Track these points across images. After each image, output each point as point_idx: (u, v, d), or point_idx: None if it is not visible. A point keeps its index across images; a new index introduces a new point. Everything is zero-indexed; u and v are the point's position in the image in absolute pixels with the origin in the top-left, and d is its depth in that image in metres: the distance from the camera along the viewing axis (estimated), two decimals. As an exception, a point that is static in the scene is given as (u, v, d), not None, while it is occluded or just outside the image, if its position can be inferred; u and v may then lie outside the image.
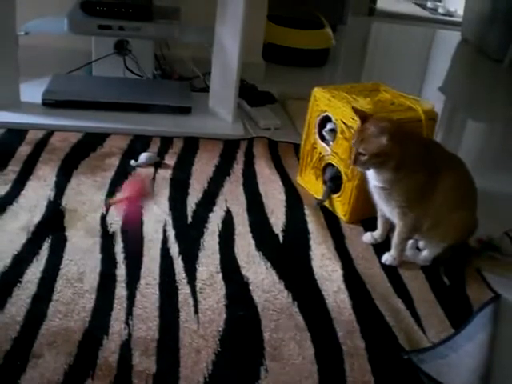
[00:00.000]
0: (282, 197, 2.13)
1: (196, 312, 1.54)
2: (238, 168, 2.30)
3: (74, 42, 2.87)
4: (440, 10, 6.27)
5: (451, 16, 6.14)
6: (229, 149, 2.45)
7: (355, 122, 1.87)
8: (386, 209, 1.83)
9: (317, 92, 2.10)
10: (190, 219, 1.94)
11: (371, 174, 1.78)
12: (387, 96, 2.11)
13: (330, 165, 2.08)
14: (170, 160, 2.29)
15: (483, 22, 4.86)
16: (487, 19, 4.79)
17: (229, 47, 2.52)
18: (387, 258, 1.84)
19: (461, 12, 5.55)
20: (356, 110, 1.78)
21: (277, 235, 1.92)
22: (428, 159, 1.76)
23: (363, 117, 1.74)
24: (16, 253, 1.66)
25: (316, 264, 1.79)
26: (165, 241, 1.81)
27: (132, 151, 2.30)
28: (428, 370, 1.45)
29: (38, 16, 2.57)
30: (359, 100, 1.99)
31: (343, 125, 1.97)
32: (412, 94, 2.13)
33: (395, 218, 1.82)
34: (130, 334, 1.43)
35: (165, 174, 2.18)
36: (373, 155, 1.68)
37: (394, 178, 1.73)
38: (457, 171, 1.80)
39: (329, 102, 2.03)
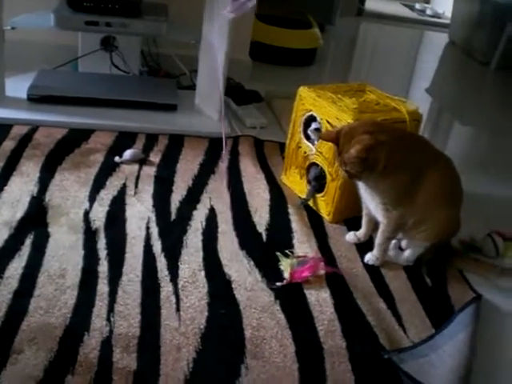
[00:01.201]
0: (267, 195, 2.14)
1: (178, 309, 1.54)
2: (222, 166, 2.30)
3: (60, 37, 2.86)
4: (428, 12, 6.30)
5: (439, 18, 6.17)
6: (214, 147, 2.44)
7: (340, 122, 1.87)
8: (371, 205, 1.84)
9: (302, 91, 2.10)
10: (173, 216, 1.94)
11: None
12: (372, 97, 2.12)
13: (314, 164, 2.08)
14: (155, 157, 2.29)
15: (471, 25, 4.90)
16: (475, 22, 4.83)
17: (216, 45, 2.51)
18: (370, 257, 1.85)
19: (449, 14, 5.58)
20: (326, 136, 1.83)
21: (260, 234, 1.92)
22: (414, 157, 1.76)
23: (334, 138, 1.75)
24: (-2, 248, 1.66)
25: (299, 263, 1.79)
26: (148, 238, 1.80)
27: (117, 148, 2.30)
28: (408, 369, 1.45)
29: (25, 11, 2.56)
30: (344, 100, 2.00)
31: (328, 124, 1.97)
32: (399, 95, 2.14)
33: (380, 216, 1.82)
34: (111, 331, 1.43)
35: (149, 171, 2.18)
36: (359, 172, 1.70)
37: (379, 175, 1.74)
38: (443, 169, 1.80)
39: (314, 102, 2.04)
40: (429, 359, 1.50)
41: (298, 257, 1.79)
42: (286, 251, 1.80)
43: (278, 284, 1.67)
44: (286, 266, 1.73)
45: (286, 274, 1.70)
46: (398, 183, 1.75)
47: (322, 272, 1.74)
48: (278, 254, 1.79)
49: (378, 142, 1.67)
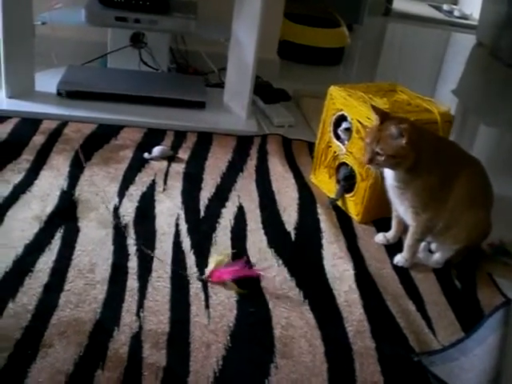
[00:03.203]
0: (295, 195, 2.13)
1: (207, 307, 1.54)
2: (251, 164, 2.30)
3: (90, 33, 2.88)
4: (455, 13, 6.25)
5: (466, 19, 6.11)
6: (242, 145, 2.44)
7: (371, 122, 1.86)
8: (400, 208, 1.83)
9: (333, 90, 2.09)
10: (202, 214, 1.94)
11: (388, 173, 1.78)
12: (404, 97, 2.11)
13: (344, 164, 2.07)
14: (184, 154, 2.29)
15: (498, 26, 4.85)
16: (503, 23, 4.78)
17: (245, 43, 2.52)
18: (399, 259, 1.84)
19: (476, 15, 5.53)
20: (375, 109, 1.77)
21: (289, 233, 1.91)
22: (443, 161, 1.75)
23: (382, 116, 1.73)
24: (28, 242, 1.67)
25: (328, 263, 1.79)
26: (177, 234, 1.81)
27: (146, 144, 2.30)
28: (438, 372, 1.44)
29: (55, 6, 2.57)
30: (376, 100, 1.98)
31: (359, 124, 1.96)
32: (425, 95, 2.12)
33: (409, 219, 1.81)
34: (140, 327, 1.44)
35: (178, 168, 2.18)
36: (389, 156, 1.67)
37: (409, 179, 1.73)
38: (473, 173, 1.79)
39: (345, 101, 2.03)
40: (459, 363, 1.49)
41: (234, 258, 1.73)
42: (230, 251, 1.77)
43: (197, 277, 1.64)
44: (212, 261, 1.67)
45: (207, 271, 1.65)
46: (428, 187, 1.74)
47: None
48: (213, 248, 1.77)
49: (418, 137, 1.68)
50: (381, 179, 1.82)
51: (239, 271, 1.65)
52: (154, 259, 1.67)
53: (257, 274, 1.68)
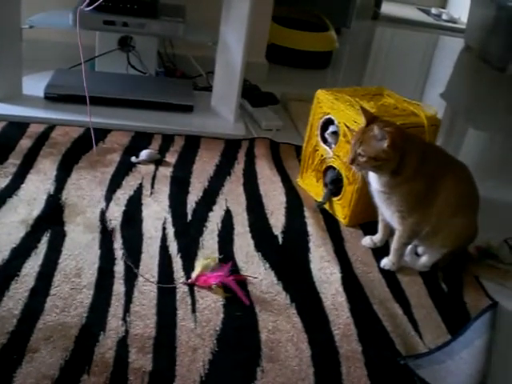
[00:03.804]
0: (283, 198, 2.13)
1: (193, 311, 1.53)
2: (238, 168, 2.30)
3: (77, 36, 2.86)
4: (444, 17, 6.28)
5: (455, 23, 6.15)
6: (230, 148, 2.44)
7: (357, 125, 1.86)
8: (386, 213, 1.83)
9: (320, 94, 2.09)
10: (189, 217, 1.93)
11: (372, 177, 1.78)
12: (391, 101, 2.11)
13: (331, 167, 2.08)
14: (171, 158, 2.29)
15: (486, 30, 4.88)
16: (491, 27, 4.81)
17: (233, 47, 2.52)
18: (386, 262, 1.84)
19: (464, 19, 5.56)
20: (364, 111, 1.77)
21: (276, 236, 1.91)
22: (429, 165, 1.75)
23: (370, 118, 1.73)
24: (14, 246, 1.66)
25: (315, 266, 1.79)
26: (164, 238, 1.80)
27: (133, 148, 2.30)
28: (424, 375, 1.45)
29: (42, 10, 2.56)
30: (363, 103, 1.99)
31: (346, 128, 1.96)
32: (413, 99, 2.13)
33: (395, 223, 1.81)
34: (126, 331, 1.43)
35: (165, 172, 2.18)
36: (371, 158, 1.68)
37: (393, 183, 1.73)
38: (459, 177, 1.80)
39: (332, 105, 2.03)
40: (445, 366, 1.49)
41: (220, 263, 1.71)
42: (217, 255, 1.76)
43: (182, 282, 1.63)
44: (198, 266, 1.66)
45: (194, 275, 1.64)
46: (413, 191, 1.74)
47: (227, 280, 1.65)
48: (201, 252, 1.76)
49: (402, 142, 1.69)
50: (366, 184, 1.83)
51: (225, 276, 1.64)
52: (141, 261, 1.68)
53: (244, 279, 1.68)
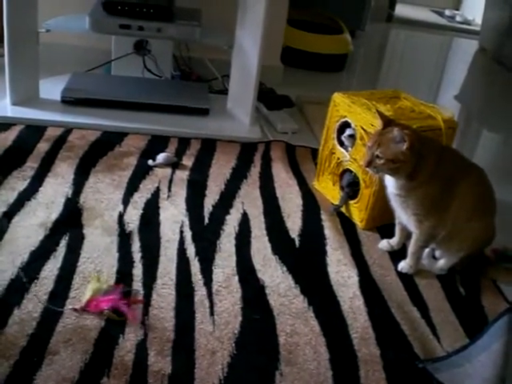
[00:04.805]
0: (299, 201, 2.13)
1: (212, 314, 1.54)
2: (255, 171, 2.30)
3: (94, 40, 2.90)
4: (458, 19, 6.26)
5: (469, 24, 6.12)
6: (246, 151, 2.45)
7: (374, 129, 1.86)
8: (402, 216, 1.83)
9: (337, 97, 2.09)
10: (206, 221, 1.94)
11: (389, 181, 1.78)
12: (407, 103, 2.11)
13: (347, 170, 2.08)
14: (188, 161, 2.29)
15: (501, 32, 4.85)
16: (505, 28, 4.78)
17: (248, 50, 2.53)
18: (403, 265, 1.84)
19: (479, 21, 5.53)
20: (380, 114, 1.77)
21: (293, 239, 1.92)
22: (445, 169, 1.75)
23: (386, 121, 1.73)
24: (33, 249, 1.67)
25: (332, 269, 1.79)
26: (182, 241, 1.81)
27: (150, 151, 2.31)
28: (443, 379, 1.45)
29: (59, 14, 2.58)
30: (379, 106, 1.99)
31: (362, 131, 1.96)
32: (428, 101, 2.12)
33: (412, 226, 1.81)
34: (145, 334, 1.44)
35: (182, 175, 2.18)
36: (388, 160, 1.68)
37: (409, 187, 1.73)
38: (475, 181, 1.79)
39: (349, 108, 2.03)
40: (463, 369, 1.49)
41: (114, 285, 1.60)
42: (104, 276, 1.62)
43: (70, 308, 1.49)
44: (89, 289, 1.54)
45: (84, 299, 1.51)
46: (429, 195, 1.74)
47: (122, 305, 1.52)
48: (94, 275, 1.60)
49: (420, 145, 1.69)
50: (382, 187, 1.83)
51: (118, 299, 1.52)
52: (159, 264, 1.68)
53: (142, 302, 1.56)
